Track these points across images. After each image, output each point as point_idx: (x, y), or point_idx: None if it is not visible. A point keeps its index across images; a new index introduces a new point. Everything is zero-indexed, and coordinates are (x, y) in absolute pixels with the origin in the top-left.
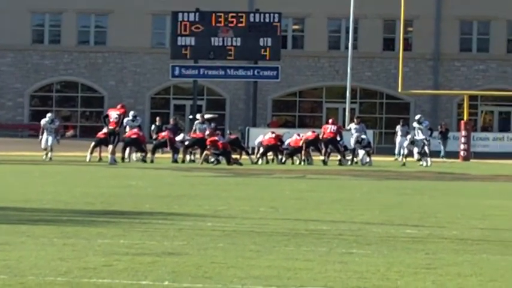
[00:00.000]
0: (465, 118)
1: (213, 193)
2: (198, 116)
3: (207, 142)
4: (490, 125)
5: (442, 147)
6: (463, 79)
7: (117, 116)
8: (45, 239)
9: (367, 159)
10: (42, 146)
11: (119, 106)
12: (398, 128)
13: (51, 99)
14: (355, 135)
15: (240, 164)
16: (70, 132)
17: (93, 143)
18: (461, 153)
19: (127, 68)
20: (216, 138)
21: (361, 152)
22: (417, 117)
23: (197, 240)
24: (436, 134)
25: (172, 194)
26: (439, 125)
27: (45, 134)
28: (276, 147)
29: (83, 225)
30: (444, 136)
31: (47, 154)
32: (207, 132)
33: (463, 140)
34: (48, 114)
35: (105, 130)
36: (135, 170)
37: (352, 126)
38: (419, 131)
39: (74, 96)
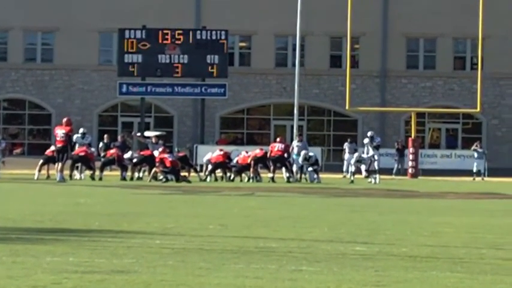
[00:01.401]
0: (413, 135)
1: (161, 211)
2: (147, 133)
3: (156, 159)
4: (437, 142)
5: (396, 165)
6: (410, 96)
7: (63, 134)
8: None
9: (315, 177)
10: None
11: (64, 121)
12: (346, 145)
13: None
14: (302, 152)
15: (189, 182)
16: (18, 150)
17: (41, 161)
18: (410, 170)
19: (74, 85)
20: (165, 155)
21: (308, 170)
22: (369, 133)
23: (146, 258)
24: (393, 151)
25: (121, 212)
26: (396, 142)
27: None
28: (224, 164)
29: (31, 243)
30: (401, 153)
31: None
32: (160, 149)
33: (411, 157)
34: None
35: (52, 148)
36: (84, 187)
37: (295, 143)
38: (370, 148)
39: (21, 114)
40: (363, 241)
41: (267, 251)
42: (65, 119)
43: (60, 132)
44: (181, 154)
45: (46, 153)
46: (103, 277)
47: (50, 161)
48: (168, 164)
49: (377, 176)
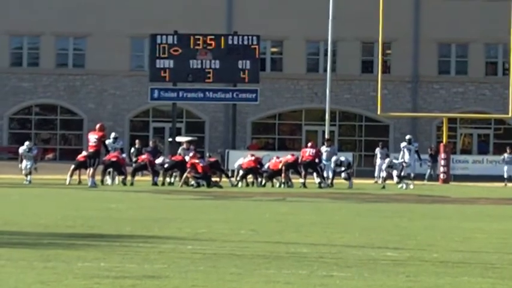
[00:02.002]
0: (444, 141)
1: (193, 216)
2: (178, 138)
3: (187, 165)
4: (469, 147)
5: (429, 170)
6: (442, 102)
7: (95, 139)
8: (24, 262)
9: (348, 182)
10: (23, 172)
11: (97, 127)
12: (377, 150)
13: (30, 122)
14: (333, 158)
15: (220, 187)
16: (50, 156)
17: (72, 166)
18: (441, 175)
19: (106, 90)
20: (196, 161)
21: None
22: (408, 137)
23: (178, 263)
24: (426, 156)
25: (152, 217)
26: (429, 148)
27: (24, 161)
28: (255, 169)
29: (63, 248)
30: (434, 159)
31: (26, 177)
32: (191, 154)
33: (442, 162)
34: (26, 143)
35: (84, 153)
36: (115, 193)
37: (323, 149)
38: (408, 152)
39: (53, 119)
40: (394, 247)
41: (298, 256)
42: (98, 125)
43: (92, 137)
44: (212, 159)
45: (78, 158)
46: (134, 282)
47: (81, 166)
48: (199, 170)
49: (409, 181)
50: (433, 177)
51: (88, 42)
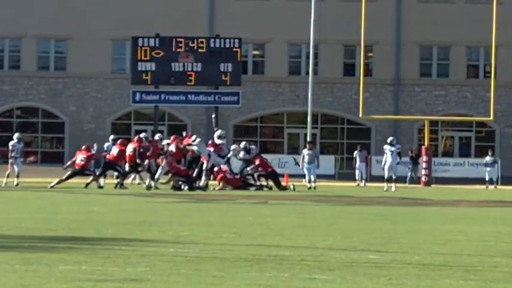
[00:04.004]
0: (426, 143)
1: (175, 219)
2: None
3: (170, 170)
4: (450, 150)
5: (410, 173)
6: (424, 104)
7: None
8: (6, 266)
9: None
10: (11, 174)
11: (83, 148)
12: (356, 153)
13: (11, 125)
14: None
15: (204, 189)
16: (31, 158)
17: (68, 173)
18: (423, 178)
19: (88, 93)
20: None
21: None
22: (389, 139)
23: (160, 267)
24: (407, 159)
25: (134, 220)
26: (410, 150)
27: (14, 166)
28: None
29: (44, 251)
30: (415, 161)
31: (13, 180)
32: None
33: (424, 165)
34: (16, 134)
35: (80, 159)
36: (97, 196)
37: (305, 152)
38: (390, 154)
39: (34, 122)
40: (376, 249)
41: (280, 259)
42: (84, 146)
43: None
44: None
45: (75, 164)
46: (116, 285)
47: (78, 174)
48: (182, 173)
49: (393, 184)
50: (414, 180)
51: (70, 45)
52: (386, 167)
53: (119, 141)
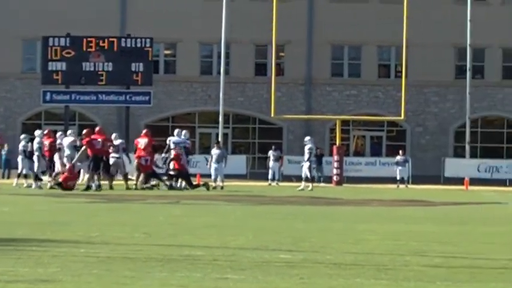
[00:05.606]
0: (337, 143)
1: (86, 219)
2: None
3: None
4: (362, 149)
5: (315, 172)
6: (335, 104)
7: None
8: None
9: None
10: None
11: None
12: (270, 152)
13: None
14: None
15: (111, 188)
16: None
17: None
18: (334, 177)
19: None
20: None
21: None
22: (306, 138)
23: (71, 267)
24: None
25: (45, 221)
26: (316, 149)
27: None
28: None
29: None
30: (319, 160)
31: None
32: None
33: (335, 164)
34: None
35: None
36: (7, 196)
37: (213, 151)
38: (307, 155)
39: None
40: (288, 249)
41: (192, 259)
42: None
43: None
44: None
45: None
46: (27, 286)
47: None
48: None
49: (310, 184)
50: (319, 179)
51: None
52: (305, 167)
53: (45, 132)
